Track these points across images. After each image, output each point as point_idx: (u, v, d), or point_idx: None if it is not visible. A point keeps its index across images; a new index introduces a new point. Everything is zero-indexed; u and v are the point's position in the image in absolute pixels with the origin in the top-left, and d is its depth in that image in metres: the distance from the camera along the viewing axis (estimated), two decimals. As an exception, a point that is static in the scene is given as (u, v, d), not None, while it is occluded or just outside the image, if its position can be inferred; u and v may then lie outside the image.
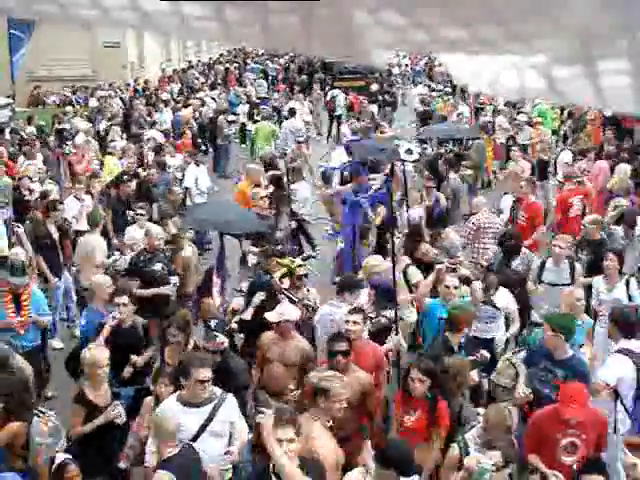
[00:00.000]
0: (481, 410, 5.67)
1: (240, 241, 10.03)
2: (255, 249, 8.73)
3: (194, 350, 6.39)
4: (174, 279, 8.22)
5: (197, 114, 21.14)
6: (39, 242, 9.57)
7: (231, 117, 20.39)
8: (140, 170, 13.58)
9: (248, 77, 30.76)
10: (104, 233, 10.51)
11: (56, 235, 9.71)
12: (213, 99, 23.46)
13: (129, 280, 8.19)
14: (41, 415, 5.72)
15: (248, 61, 38.46)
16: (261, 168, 12.60)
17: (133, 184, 11.99)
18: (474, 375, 6.25)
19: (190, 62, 37.24)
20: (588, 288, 8.02)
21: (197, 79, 30.44)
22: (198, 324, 7.67)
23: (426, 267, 8.50)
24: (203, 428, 5.20)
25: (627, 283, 7.69)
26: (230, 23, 0.77)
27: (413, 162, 10.22)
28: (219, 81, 30.53)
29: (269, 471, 4.53)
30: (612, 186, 11.48)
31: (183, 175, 13.84)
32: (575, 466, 5.05)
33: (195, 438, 5.16)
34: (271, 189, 11.21)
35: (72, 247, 10.01)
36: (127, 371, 6.85)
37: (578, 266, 8.27)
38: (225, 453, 5.17)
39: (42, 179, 12.82)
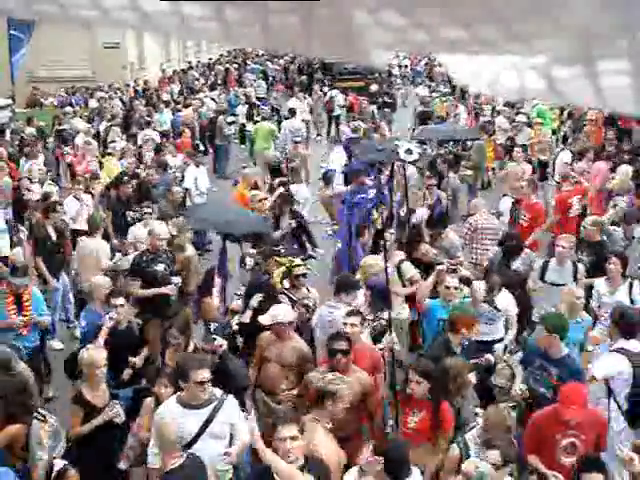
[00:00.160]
0: (480, 410, 5.68)
1: (240, 243, 10.03)
2: (253, 251, 8.73)
3: (194, 352, 6.39)
4: (176, 279, 8.21)
5: (196, 115, 21.14)
6: (38, 243, 9.57)
7: (230, 118, 20.39)
8: (140, 170, 13.57)
9: (248, 78, 30.77)
10: (105, 236, 10.50)
11: (55, 237, 9.72)
12: (213, 100, 23.46)
13: (131, 280, 8.20)
14: (41, 418, 5.72)
15: (248, 62, 38.47)
16: (257, 169, 12.64)
17: (133, 184, 11.98)
18: (471, 377, 6.26)
19: (190, 63, 37.23)
20: (588, 289, 8.02)
21: (197, 80, 30.43)
22: (198, 324, 7.67)
23: (426, 267, 8.51)
24: (203, 430, 5.19)
25: (630, 286, 7.68)
26: (230, 23, 0.77)
27: (412, 162, 10.21)
28: (219, 82, 30.53)
29: (270, 472, 4.53)
30: (613, 187, 11.46)
31: (183, 175, 13.84)
32: (575, 465, 5.05)
33: (195, 440, 5.15)
34: (275, 193, 11.22)
35: (72, 245, 10.03)
36: (127, 373, 6.88)
37: (581, 266, 8.28)
38: (224, 454, 5.17)
39: (42, 180, 12.82)
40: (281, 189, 11.33)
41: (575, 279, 8.11)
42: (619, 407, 6.00)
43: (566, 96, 0.79)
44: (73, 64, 29.51)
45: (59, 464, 5.19)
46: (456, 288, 7.26)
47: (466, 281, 7.59)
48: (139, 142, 16.43)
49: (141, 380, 6.93)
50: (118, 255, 9.58)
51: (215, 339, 6.36)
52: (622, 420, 5.96)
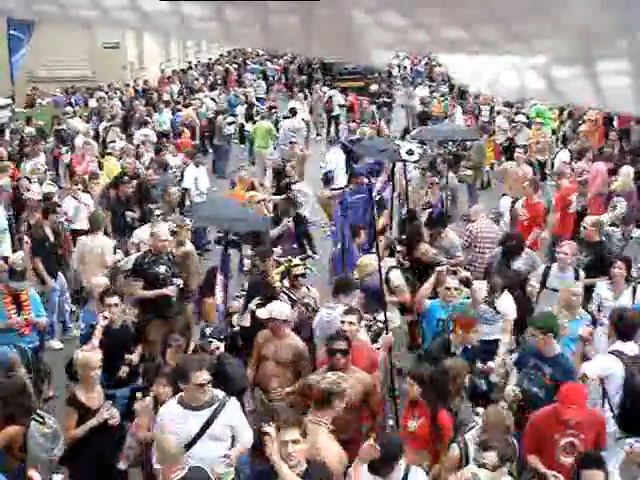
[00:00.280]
0: (481, 410, 5.67)
1: (240, 247, 10.05)
2: (252, 252, 8.74)
3: (194, 352, 6.39)
4: (178, 281, 8.21)
5: (195, 115, 21.14)
6: (36, 244, 9.55)
7: (230, 118, 20.40)
8: (141, 170, 13.56)
9: (247, 78, 30.77)
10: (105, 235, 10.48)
11: (52, 237, 9.72)
12: (213, 100, 23.46)
13: (133, 281, 8.21)
14: (39, 419, 5.72)
15: (248, 62, 38.48)
16: (253, 170, 12.64)
17: (133, 184, 11.97)
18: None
19: (190, 63, 37.23)
20: (587, 289, 8.02)
21: (197, 80, 30.42)
22: (199, 324, 7.67)
23: (425, 267, 8.50)
24: (203, 431, 5.17)
25: (634, 290, 7.66)
26: (230, 23, 0.77)
27: (414, 162, 10.21)
28: (219, 82, 30.53)
29: (269, 474, 4.53)
30: (616, 188, 11.43)
31: (182, 175, 13.83)
32: (575, 464, 5.04)
33: (194, 441, 5.14)
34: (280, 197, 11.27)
35: (72, 245, 10.03)
36: (123, 371, 6.88)
37: (582, 273, 8.24)
38: (223, 457, 5.16)
39: (42, 179, 12.81)
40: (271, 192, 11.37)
41: None
42: (611, 409, 6.01)
43: (566, 96, 0.79)
44: (73, 64, 29.50)
45: (58, 478, 5.22)
46: (456, 289, 7.26)
47: (466, 282, 7.58)
48: (135, 141, 16.40)
49: (138, 379, 6.94)
50: (119, 254, 9.55)
51: (211, 342, 6.36)
52: (613, 423, 5.96)
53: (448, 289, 7.21)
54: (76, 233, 10.45)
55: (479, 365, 6.36)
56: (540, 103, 17.46)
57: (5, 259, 9.16)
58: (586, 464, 4.74)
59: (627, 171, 11.80)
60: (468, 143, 15.89)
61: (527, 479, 5.59)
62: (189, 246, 9.14)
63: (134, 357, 6.98)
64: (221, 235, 7.90)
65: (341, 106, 23.61)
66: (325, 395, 5.12)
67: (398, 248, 9.06)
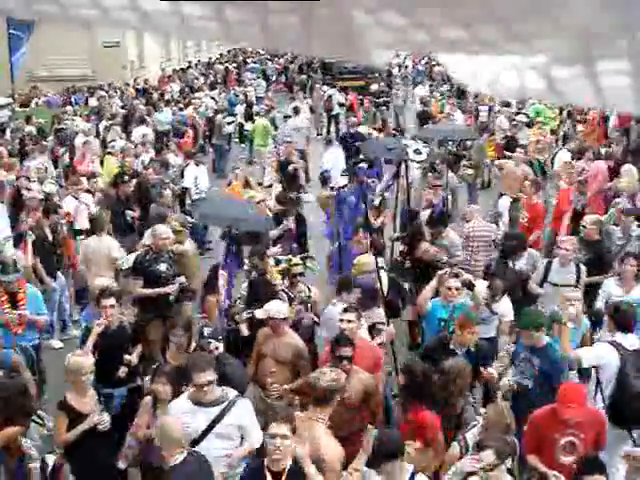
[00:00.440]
0: (484, 410, 5.68)
1: (241, 248, 10.02)
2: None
3: (195, 351, 6.38)
4: (181, 279, 8.20)
5: (196, 114, 21.15)
6: (35, 244, 9.53)
7: (229, 118, 20.40)
8: (142, 170, 13.55)
9: (247, 77, 30.77)
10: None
11: (51, 237, 9.71)
12: (213, 99, 23.46)
13: (133, 279, 8.20)
14: (39, 421, 5.72)
15: (248, 61, 38.48)
16: (249, 169, 12.66)
17: (132, 184, 11.95)
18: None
19: (190, 62, 37.24)
20: (588, 288, 8.02)
21: (197, 79, 30.43)
22: (201, 322, 7.66)
23: (426, 266, 8.50)
24: (210, 428, 5.21)
25: None
26: (230, 23, 0.77)
27: (420, 162, 10.23)
28: (219, 81, 30.53)
29: (263, 469, 4.54)
30: (620, 187, 11.37)
31: (182, 174, 13.82)
32: (575, 466, 5.04)
33: (201, 437, 5.18)
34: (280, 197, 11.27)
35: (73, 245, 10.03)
36: (122, 371, 6.85)
37: (583, 268, 8.25)
38: (225, 456, 5.18)
39: (42, 179, 12.80)
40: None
41: (578, 280, 8.09)
42: (603, 400, 6.04)
43: (566, 96, 0.79)
44: (73, 63, 29.52)
45: (51, 459, 5.19)
46: (457, 289, 7.24)
47: (469, 285, 7.49)
48: (132, 139, 16.38)
49: (136, 379, 6.93)
50: (121, 252, 9.51)
51: (210, 342, 6.36)
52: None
53: (449, 288, 7.20)
54: (76, 233, 10.43)
55: (482, 370, 6.35)
56: (539, 102, 17.47)
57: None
58: (587, 469, 4.72)
59: (631, 171, 11.70)
60: (468, 143, 15.88)
61: (527, 479, 5.59)
62: (187, 245, 9.13)
63: (133, 357, 6.95)
64: (225, 231, 7.88)
65: (341, 105, 23.61)
66: (326, 393, 5.13)
67: (400, 248, 9.07)
